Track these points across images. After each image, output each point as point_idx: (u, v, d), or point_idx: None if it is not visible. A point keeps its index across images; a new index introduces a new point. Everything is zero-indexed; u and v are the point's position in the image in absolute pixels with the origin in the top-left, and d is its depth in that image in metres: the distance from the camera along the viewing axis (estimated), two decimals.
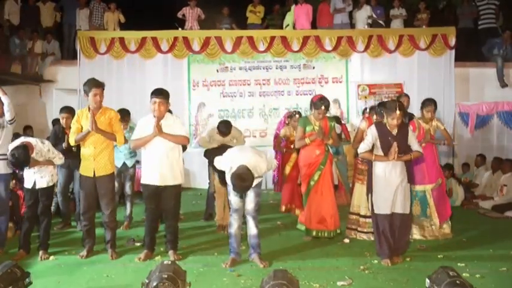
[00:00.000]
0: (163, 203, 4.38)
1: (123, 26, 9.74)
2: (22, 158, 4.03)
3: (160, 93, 4.26)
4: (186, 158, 7.08)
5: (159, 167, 4.25)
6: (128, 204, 5.73)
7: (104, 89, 4.42)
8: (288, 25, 9.74)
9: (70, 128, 4.71)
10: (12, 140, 4.41)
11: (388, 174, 4.13)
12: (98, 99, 4.33)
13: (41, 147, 4.29)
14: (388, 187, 4.12)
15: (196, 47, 9.11)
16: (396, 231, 4.19)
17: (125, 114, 5.50)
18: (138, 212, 6.01)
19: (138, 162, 5.88)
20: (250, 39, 9.08)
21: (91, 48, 9.08)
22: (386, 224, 4.17)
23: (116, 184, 5.26)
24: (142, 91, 8.54)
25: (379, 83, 9.06)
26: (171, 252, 4.37)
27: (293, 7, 9.69)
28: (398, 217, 4.17)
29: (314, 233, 4.95)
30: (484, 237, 5.11)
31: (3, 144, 4.48)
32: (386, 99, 6.91)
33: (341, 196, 6.67)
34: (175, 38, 9.08)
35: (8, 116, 4.53)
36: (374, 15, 9.54)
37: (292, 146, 6.14)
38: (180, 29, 9.40)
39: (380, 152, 4.16)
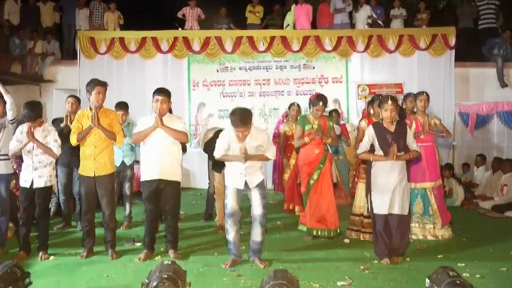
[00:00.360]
0: (163, 202, 4.38)
1: (123, 26, 9.75)
2: (36, 105, 4.29)
3: (163, 92, 4.29)
4: (186, 158, 7.09)
5: (159, 161, 4.25)
6: (127, 205, 5.73)
7: (106, 89, 4.45)
8: (288, 25, 9.75)
9: (74, 113, 5.04)
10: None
11: (387, 174, 4.12)
12: (101, 98, 4.35)
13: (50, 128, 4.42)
14: (386, 187, 4.12)
15: (196, 47, 9.12)
16: (393, 231, 4.19)
17: (123, 107, 5.56)
18: (138, 212, 6.01)
19: (137, 162, 5.89)
20: (250, 39, 9.09)
21: (91, 48, 9.09)
22: (383, 224, 4.17)
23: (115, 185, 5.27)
24: (142, 91, 8.57)
25: (379, 83, 9.06)
26: (171, 251, 4.38)
27: (293, 7, 9.69)
28: (395, 218, 4.16)
29: (314, 232, 4.94)
30: (484, 237, 5.10)
31: (4, 144, 4.48)
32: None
33: (341, 196, 6.67)
34: (175, 38, 9.09)
35: (10, 115, 4.55)
36: (374, 15, 9.54)
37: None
38: (180, 29, 9.41)
39: (380, 152, 4.16)
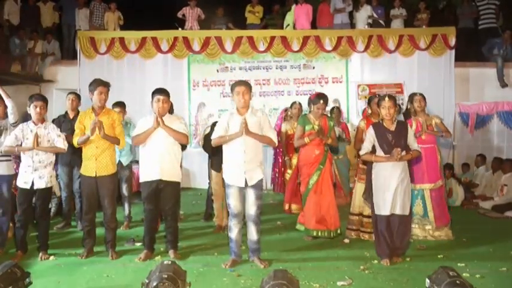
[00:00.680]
0: (163, 203, 4.38)
1: (123, 26, 9.75)
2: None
3: (163, 92, 4.29)
4: (186, 158, 7.10)
5: (159, 162, 4.24)
6: (126, 205, 5.73)
7: (109, 90, 4.46)
8: (288, 25, 9.74)
9: (75, 110, 5.34)
10: None
11: (389, 174, 4.12)
12: (103, 98, 4.37)
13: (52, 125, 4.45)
14: (388, 188, 4.12)
15: (196, 47, 9.12)
16: (395, 232, 4.19)
17: (120, 105, 5.62)
18: (137, 211, 6.01)
19: (136, 162, 5.89)
20: (250, 39, 9.09)
21: (91, 48, 9.09)
22: (385, 225, 4.17)
23: None
24: (142, 91, 8.56)
25: (379, 83, 9.06)
26: (171, 251, 4.38)
27: (293, 7, 9.69)
28: (397, 218, 4.16)
29: (314, 233, 4.94)
30: (484, 237, 5.10)
31: None
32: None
33: (340, 196, 6.67)
34: (175, 38, 9.10)
35: (11, 118, 4.55)
36: (375, 15, 9.54)
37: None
38: (180, 29, 9.41)
39: (380, 153, 4.16)
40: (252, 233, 4.15)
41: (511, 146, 8.59)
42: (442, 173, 5.25)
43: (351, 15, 9.77)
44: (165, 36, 9.14)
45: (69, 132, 5.27)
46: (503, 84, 9.16)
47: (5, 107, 4.59)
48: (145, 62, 9.16)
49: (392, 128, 4.17)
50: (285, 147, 6.49)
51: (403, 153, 4.11)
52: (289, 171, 6.45)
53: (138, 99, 8.38)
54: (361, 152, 4.28)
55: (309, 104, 5.08)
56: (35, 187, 4.30)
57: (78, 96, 5.59)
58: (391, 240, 4.18)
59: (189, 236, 5.19)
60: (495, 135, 8.81)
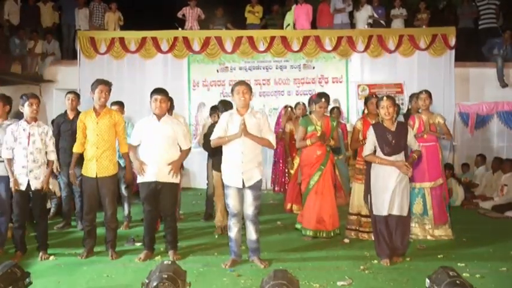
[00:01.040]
0: (162, 203, 4.37)
1: (123, 26, 9.76)
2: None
3: (161, 92, 4.30)
4: (186, 157, 7.08)
5: (157, 163, 4.23)
6: (126, 205, 5.73)
7: (110, 89, 4.46)
8: (288, 25, 9.75)
9: (74, 109, 5.38)
10: None
11: (387, 175, 4.12)
12: (103, 96, 4.36)
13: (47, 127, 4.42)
14: (386, 188, 4.11)
15: (196, 47, 9.12)
16: (393, 232, 4.19)
17: (118, 103, 5.62)
18: (137, 211, 6.00)
19: None
20: (250, 39, 9.09)
21: (91, 48, 9.10)
22: (384, 225, 4.17)
23: None
24: (142, 91, 8.55)
25: (379, 83, 9.07)
26: (171, 252, 4.38)
27: (293, 7, 9.69)
28: (394, 219, 4.16)
29: (312, 233, 4.94)
30: (484, 237, 5.10)
31: None
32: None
33: (341, 196, 6.66)
34: (175, 38, 9.10)
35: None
36: (375, 15, 9.54)
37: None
38: (180, 29, 9.42)
39: (380, 153, 4.15)
40: (251, 233, 4.15)
41: (511, 146, 8.60)
42: (443, 171, 5.25)
43: (351, 15, 9.78)
44: (165, 36, 9.14)
45: (69, 133, 5.28)
46: (503, 84, 9.17)
47: (3, 105, 4.56)
48: (145, 62, 9.16)
49: (393, 128, 4.16)
50: (288, 147, 6.48)
51: (402, 154, 4.12)
52: (291, 171, 6.44)
53: (138, 99, 8.39)
54: (365, 153, 4.25)
55: (310, 104, 5.08)
56: (32, 188, 4.28)
57: (77, 96, 5.58)
58: (391, 240, 4.18)
59: (189, 236, 5.19)
60: (495, 135, 8.82)
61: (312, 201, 4.92)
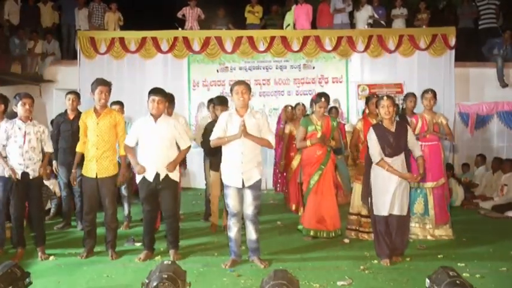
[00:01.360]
0: (163, 203, 4.37)
1: (123, 26, 9.75)
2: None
3: (159, 92, 4.27)
4: (186, 158, 7.07)
5: (156, 164, 4.22)
6: (125, 205, 5.74)
7: (110, 89, 4.46)
8: (288, 25, 9.75)
9: (75, 110, 5.39)
10: None
11: (388, 176, 4.11)
12: (103, 97, 4.36)
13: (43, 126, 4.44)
14: (386, 189, 4.11)
15: (196, 47, 9.12)
16: (393, 232, 4.19)
17: (118, 103, 5.61)
18: (137, 211, 5.99)
19: None
20: (250, 39, 9.09)
21: (91, 48, 9.09)
22: (384, 225, 4.17)
23: None
24: (142, 91, 8.49)
25: (379, 83, 9.07)
26: (171, 251, 4.37)
27: (293, 7, 9.69)
28: (395, 218, 4.16)
29: (312, 233, 4.93)
30: (484, 237, 5.10)
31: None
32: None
33: (340, 196, 6.65)
34: (175, 38, 9.10)
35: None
36: (375, 15, 9.54)
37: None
38: (180, 29, 9.42)
39: (382, 155, 4.14)
40: (251, 232, 4.15)
41: (511, 146, 8.60)
42: (445, 170, 5.24)
43: (351, 15, 9.78)
44: (165, 36, 9.14)
45: (68, 133, 5.29)
46: (503, 84, 9.17)
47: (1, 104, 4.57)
48: (145, 62, 9.16)
49: (393, 128, 4.16)
50: (286, 148, 6.47)
51: (402, 155, 4.14)
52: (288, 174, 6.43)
53: (138, 99, 8.38)
54: (375, 159, 4.15)
55: (311, 105, 5.08)
56: (30, 177, 4.27)
57: (78, 96, 5.56)
58: (391, 240, 4.18)
59: (189, 236, 5.19)
60: (495, 135, 8.82)
61: (313, 201, 4.92)
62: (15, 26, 9.80)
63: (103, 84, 4.39)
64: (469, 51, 9.61)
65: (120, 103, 5.67)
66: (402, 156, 4.16)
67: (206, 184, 5.90)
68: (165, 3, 10.77)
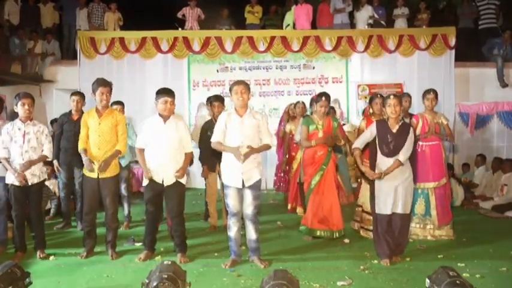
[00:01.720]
0: (168, 205, 4.35)
1: (123, 26, 9.76)
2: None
3: (170, 92, 4.25)
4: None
5: (162, 166, 4.19)
6: (125, 205, 5.72)
7: (111, 89, 4.45)
8: (288, 25, 9.75)
9: (79, 111, 5.30)
10: None
11: (392, 175, 4.09)
12: (105, 98, 4.35)
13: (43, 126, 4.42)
14: (389, 187, 4.11)
15: (196, 47, 9.12)
16: (396, 230, 4.19)
17: (119, 103, 5.61)
18: (138, 211, 6.00)
19: (136, 162, 5.88)
20: (250, 39, 9.10)
21: (91, 48, 9.10)
22: (386, 224, 4.16)
23: None
24: (142, 91, 8.58)
25: (379, 83, 9.07)
26: (179, 255, 4.32)
27: (293, 7, 9.69)
28: (398, 217, 4.16)
29: (318, 233, 4.91)
30: (484, 237, 5.09)
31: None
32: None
33: (341, 196, 6.64)
34: (175, 38, 9.10)
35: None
36: (376, 16, 9.54)
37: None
38: (180, 29, 9.42)
39: (379, 153, 4.15)
40: (251, 232, 4.15)
41: (511, 146, 8.60)
42: (446, 170, 5.24)
43: (351, 15, 9.78)
44: (165, 36, 9.14)
45: (71, 134, 5.28)
46: (503, 84, 9.17)
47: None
48: (145, 62, 9.16)
49: (395, 129, 4.14)
50: (287, 148, 6.47)
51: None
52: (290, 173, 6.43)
53: (138, 99, 8.40)
54: (354, 145, 4.26)
55: (311, 105, 5.08)
56: (29, 183, 4.27)
57: (82, 97, 5.52)
58: (392, 239, 4.17)
59: (189, 236, 5.17)
60: (495, 135, 8.82)
61: (314, 201, 4.91)
62: (15, 26, 9.81)
63: (104, 85, 4.38)
64: (469, 51, 9.61)
65: (121, 103, 5.67)
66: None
67: (206, 184, 5.90)
68: (165, 3, 10.77)
